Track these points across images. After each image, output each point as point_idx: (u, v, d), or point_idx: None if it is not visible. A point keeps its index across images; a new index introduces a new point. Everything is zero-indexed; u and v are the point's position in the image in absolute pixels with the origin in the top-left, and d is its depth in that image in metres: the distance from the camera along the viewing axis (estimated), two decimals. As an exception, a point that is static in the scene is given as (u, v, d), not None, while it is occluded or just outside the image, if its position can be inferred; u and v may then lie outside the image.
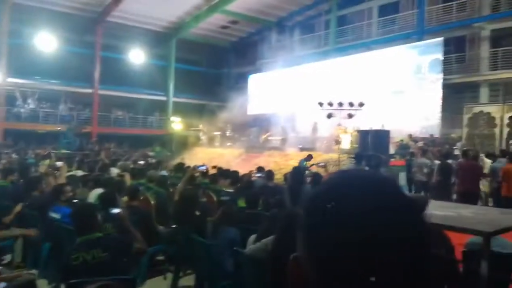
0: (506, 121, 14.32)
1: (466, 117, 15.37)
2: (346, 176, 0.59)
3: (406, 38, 18.46)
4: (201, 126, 22.17)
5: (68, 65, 22.29)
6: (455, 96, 17.47)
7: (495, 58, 16.72)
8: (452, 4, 17.87)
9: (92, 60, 23.38)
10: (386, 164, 11.35)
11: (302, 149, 16.13)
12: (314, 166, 11.29)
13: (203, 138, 21.86)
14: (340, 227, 0.52)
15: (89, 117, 23.68)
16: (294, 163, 12.66)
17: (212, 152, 19.15)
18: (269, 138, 19.22)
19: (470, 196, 8.10)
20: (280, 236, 2.67)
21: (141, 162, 10.93)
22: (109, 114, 24.60)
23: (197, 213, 4.24)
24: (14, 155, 13.80)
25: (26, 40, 21.03)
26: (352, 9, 21.89)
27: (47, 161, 11.32)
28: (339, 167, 11.87)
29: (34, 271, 3.67)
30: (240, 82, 26.92)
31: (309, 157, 11.74)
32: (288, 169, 8.92)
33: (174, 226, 4.22)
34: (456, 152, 12.49)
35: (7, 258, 4.65)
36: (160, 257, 4.61)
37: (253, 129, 20.76)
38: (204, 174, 7.28)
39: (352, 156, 12.12)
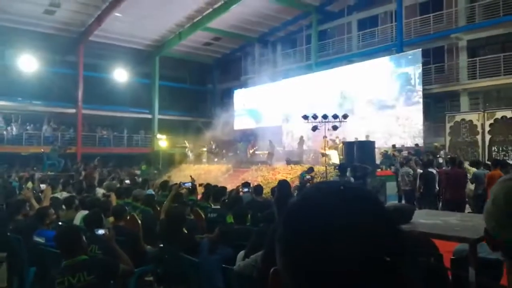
0: (487, 128, 14.61)
1: (448, 126, 15.64)
2: (320, 189, 0.61)
3: (386, 50, 18.84)
4: (186, 143, 22.09)
5: (51, 86, 22.08)
6: (437, 105, 17.83)
7: (473, 67, 17.14)
8: (429, 16, 18.34)
9: (75, 80, 23.22)
10: (373, 175, 11.44)
11: (288, 163, 16.19)
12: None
13: (190, 154, 21.77)
14: (313, 239, 0.53)
15: (73, 138, 23.40)
16: (282, 177, 12.68)
17: (199, 168, 19.06)
18: (256, 152, 19.24)
19: (456, 204, 8.20)
20: (269, 251, 2.66)
21: (127, 181, 10.80)
22: (94, 133, 24.35)
23: (185, 230, 4.20)
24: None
25: (8, 62, 20.84)
26: (332, 24, 22.31)
27: (29, 184, 11.13)
28: (326, 179, 11.92)
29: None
30: (225, 97, 27.03)
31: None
32: (276, 183, 8.92)
33: (161, 245, 4.16)
34: (440, 161, 12.69)
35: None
36: (149, 278, 4.53)
37: (240, 144, 20.77)
38: (191, 191, 7.22)
39: (337, 167, 12.19)
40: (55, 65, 23.32)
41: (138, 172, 18.30)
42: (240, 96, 24.82)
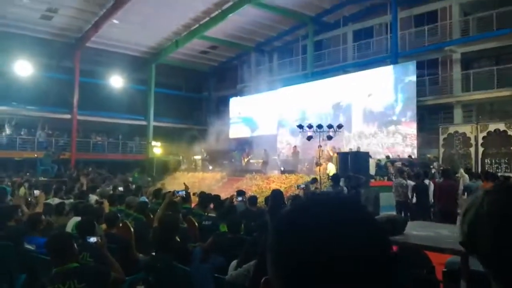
0: (480, 140, 14.73)
1: (442, 137, 15.75)
2: (311, 199, 0.63)
3: (381, 61, 19.00)
4: (181, 156, 22.14)
5: (46, 91, 22.01)
6: (431, 117, 17.96)
7: (467, 80, 17.32)
8: (424, 29, 18.56)
9: (71, 85, 23.16)
10: (366, 185, 11.46)
11: (283, 172, 16.19)
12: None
13: (184, 162, 21.76)
14: (304, 249, 0.54)
15: (67, 143, 23.28)
16: (276, 186, 12.68)
17: (193, 176, 19.01)
18: (251, 161, 19.24)
19: (448, 215, 8.22)
20: (262, 261, 2.65)
21: (121, 188, 10.74)
22: (88, 139, 24.25)
23: (178, 239, 4.18)
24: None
25: (4, 66, 20.75)
26: (328, 34, 22.49)
27: (22, 190, 11.04)
28: (320, 189, 11.93)
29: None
30: (220, 106, 27.07)
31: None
32: (270, 192, 8.91)
33: (153, 253, 4.14)
34: (433, 171, 12.74)
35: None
36: (140, 286, 4.49)
37: (234, 152, 20.77)
38: (185, 199, 7.19)
39: (330, 177, 12.22)
40: (51, 70, 23.27)
41: (130, 179, 18.22)
42: (236, 105, 24.88)
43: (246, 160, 19.65)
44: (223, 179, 17.75)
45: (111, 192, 9.56)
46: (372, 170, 14.81)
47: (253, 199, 7.31)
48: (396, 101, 17.62)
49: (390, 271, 0.55)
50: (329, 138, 14.16)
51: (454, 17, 18.04)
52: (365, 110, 18.69)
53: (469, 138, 15.04)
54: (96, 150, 24.22)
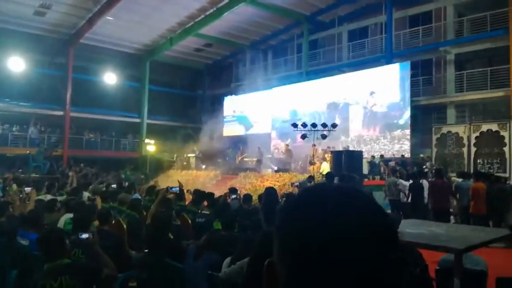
0: (473, 140, 14.83)
1: (435, 137, 15.83)
2: (320, 184, 0.65)
3: (375, 61, 19.04)
4: (174, 154, 22.10)
5: (39, 87, 21.82)
6: (424, 117, 18.05)
7: (460, 81, 17.42)
8: (418, 29, 18.64)
9: (64, 82, 22.99)
10: (360, 184, 11.50)
11: (277, 171, 16.20)
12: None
13: (178, 161, 21.71)
14: (310, 228, 0.54)
15: (60, 140, 23.10)
16: (270, 184, 12.68)
17: (187, 174, 18.97)
18: (245, 159, 19.23)
19: (441, 214, 8.31)
20: (255, 257, 2.64)
21: (114, 186, 10.67)
22: (81, 136, 24.09)
23: (171, 236, 4.15)
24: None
25: (-4, 62, 20.56)
26: (323, 34, 22.51)
27: (14, 186, 10.95)
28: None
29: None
30: (215, 104, 27.01)
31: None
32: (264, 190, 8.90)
33: (146, 250, 4.11)
34: (426, 171, 12.81)
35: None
36: (133, 283, 4.46)
37: (229, 150, 20.74)
38: (179, 195, 7.16)
39: (324, 176, 12.26)
40: (44, 67, 23.07)
41: (122, 176, 18.15)
42: (230, 103, 24.84)
43: (240, 158, 19.64)
44: (217, 177, 17.74)
45: (104, 189, 9.50)
46: (365, 169, 14.88)
47: (247, 197, 7.30)
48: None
49: (396, 252, 0.54)
50: (324, 137, 14.18)
51: (448, 18, 18.13)
52: (365, 112, 18.43)
53: (462, 138, 15.14)
54: (89, 147, 24.07)
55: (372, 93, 18.08)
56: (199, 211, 6.51)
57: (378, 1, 19.28)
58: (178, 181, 8.57)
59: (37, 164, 17.68)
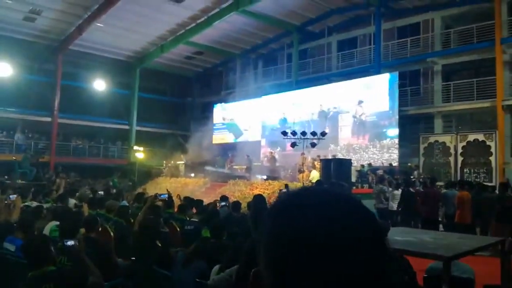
0: (460, 150, 15.03)
1: (422, 147, 16.01)
2: (309, 189, 0.62)
3: (364, 71, 19.25)
4: (164, 162, 22.00)
5: (27, 93, 21.59)
6: (412, 126, 18.25)
7: (447, 91, 17.68)
8: (406, 40, 18.92)
9: (52, 88, 22.78)
10: (349, 192, 11.54)
11: (267, 178, 16.18)
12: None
13: (167, 168, 21.59)
14: (300, 238, 0.53)
15: (47, 146, 22.82)
16: (259, 192, 12.66)
17: (176, 181, 18.86)
18: (234, 167, 19.20)
19: (432, 222, 8.40)
20: (244, 265, 2.62)
21: (101, 192, 10.55)
22: (68, 143, 23.82)
23: (158, 243, 4.11)
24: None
25: (-18, 68, 20.30)
26: (313, 44, 22.72)
27: (-1, 193, 10.74)
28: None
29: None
30: (205, 111, 27.00)
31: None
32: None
33: (133, 258, 4.06)
34: (413, 180, 12.94)
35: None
36: (119, 292, 4.39)
37: (217, 158, 20.70)
38: (167, 203, 7.10)
39: (314, 184, 12.30)
40: (33, 73, 22.86)
41: (110, 183, 17.98)
42: (220, 111, 24.85)
43: (229, 166, 19.60)
44: (206, 184, 17.67)
45: (91, 195, 9.39)
46: (354, 178, 14.96)
47: (236, 204, 7.27)
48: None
49: (385, 255, 0.54)
50: (313, 145, 14.24)
51: (436, 30, 18.44)
52: (354, 120, 18.50)
53: (448, 148, 15.33)
54: (76, 154, 23.81)
55: (360, 102, 18.22)
56: (188, 218, 6.46)
57: (367, 12, 19.55)
58: (167, 190, 8.52)
59: (23, 171, 17.42)
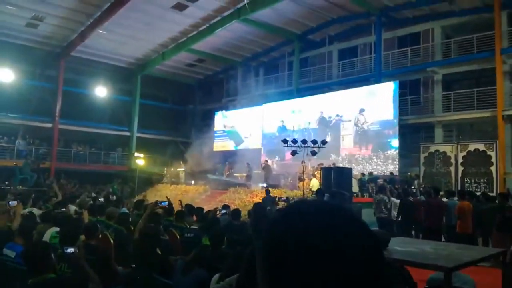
0: (460, 160, 15.02)
1: (422, 156, 16.00)
2: (306, 203, 0.62)
3: (364, 80, 19.32)
4: (165, 169, 22.00)
5: (28, 99, 21.66)
6: (412, 135, 18.26)
7: (448, 101, 17.71)
8: (407, 50, 19.00)
9: (54, 94, 22.85)
10: (350, 201, 11.52)
11: (267, 186, 16.15)
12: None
13: (167, 175, 21.59)
14: (295, 236, 0.54)
15: (48, 152, 22.83)
16: (259, 200, 12.64)
17: (176, 188, 18.84)
18: (234, 174, 19.19)
19: (435, 232, 8.37)
20: (244, 274, 2.62)
21: (101, 199, 10.54)
22: (69, 149, 23.83)
23: (158, 251, 4.10)
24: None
25: (-16, 73, 20.37)
26: (314, 52, 22.81)
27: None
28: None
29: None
30: (206, 119, 27.04)
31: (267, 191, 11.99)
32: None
33: (133, 265, 4.04)
34: (414, 190, 12.91)
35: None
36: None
37: (218, 165, 20.69)
38: (168, 211, 7.09)
39: (315, 192, 12.30)
40: (34, 79, 22.95)
41: (110, 190, 17.95)
42: (221, 118, 24.90)
43: (227, 173, 19.61)
44: (206, 192, 17.64)
45: (91, 202, 9.37)
46: (356, 187, 14.88)
47: (236, 212, 7.25)
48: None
49: (380, 269, 0.55)
50: (313, 153, 14.24)
51: (436, 40, 18.53)
52: (356, 129, 18.33)
53: (449, 157, 15.32)
54: (77, 160, 23.81)
55: (361, 110, 18.16)
56: (188, 226, 6.45)
57: (367, 21, 19.66)
58: (167, 198, 8.50)
59: (24, 176, 17.42)
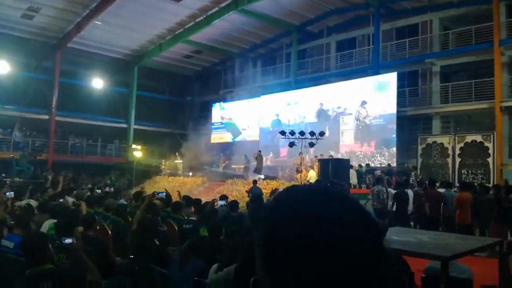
0: (458, 151, 15.06)
1: (420, 147, 16.03)
2: (296, 189, 0.61)
3: (362, 72, 19.27)
4: (162, 161, 22.00)
5: (24, 91, 21.52)
6: (410, 127, 18.28)
7: (445, 92, 17.71)
8: (405, 41, 18.94)
9: (50, 85, 22.71)
10: (347, 193, 11.56)
11: (265, 178, 16.18)
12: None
13: (165, 167, 21.58)
14: (297, 241, 0.53)
15: (44, 144, 22.76)
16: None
17: (174, 180, 18.85)
18: (232, 166, 19.20)
19: (434, 222, 8.45)
20: (243, 264, 2.62)
21: (98, 191, 10.53)
22: (66, 141, 23.76)
23: (157, 242, 4.10)
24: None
25: (-20, 65, 20.21)
26: (312, 44, 22.72)
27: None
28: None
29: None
30: (203, 110, 26.98)
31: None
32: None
33: (131, 256, 4.05)
34: (411, 181, 12.96)
35: None
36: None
37: (216, 157, 20.69)
38: (166, 202, 7.09)
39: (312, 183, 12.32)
40: (31, 70, 22.79)
41: (108, 182, 17.94)
42: (218, 110, 24.85)
43: (223, 165, 19.62)
44: (204, 183, 17.66)
45: (88, 194, 9.37)
46: (354, 179, 14.86)
47: (234, 203, 7.27)
48: (379, 110, 17.09)
49: (383, 255, 0.54)
50: (311, 145, 14.24)
51: (434, 31, 18.47)
52: (357, 124, 17.90)
53: (446, 149, 15.35)
54: (74, 152, 23.75)
55: (363, 103, 17.89)
56: (186, 217, 6.46)
57: (366, 13, 19.56)
58: (166, 190, 8.50)
59: (21, 168, 17.38)
